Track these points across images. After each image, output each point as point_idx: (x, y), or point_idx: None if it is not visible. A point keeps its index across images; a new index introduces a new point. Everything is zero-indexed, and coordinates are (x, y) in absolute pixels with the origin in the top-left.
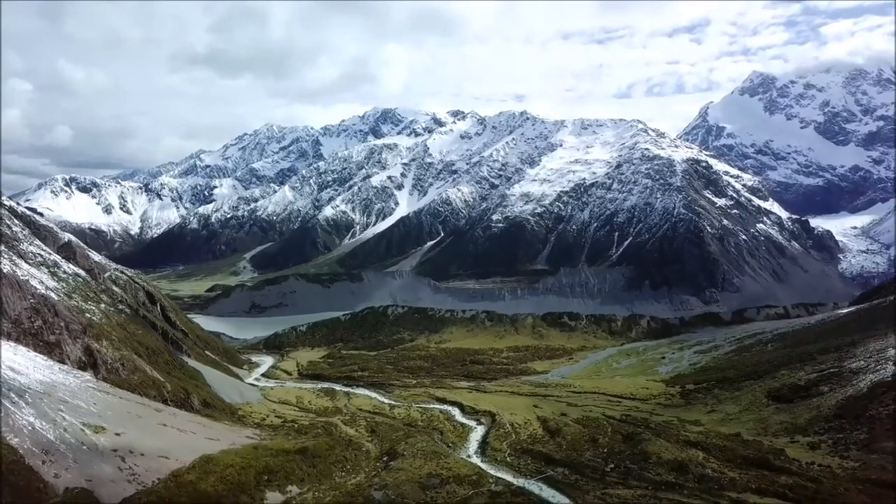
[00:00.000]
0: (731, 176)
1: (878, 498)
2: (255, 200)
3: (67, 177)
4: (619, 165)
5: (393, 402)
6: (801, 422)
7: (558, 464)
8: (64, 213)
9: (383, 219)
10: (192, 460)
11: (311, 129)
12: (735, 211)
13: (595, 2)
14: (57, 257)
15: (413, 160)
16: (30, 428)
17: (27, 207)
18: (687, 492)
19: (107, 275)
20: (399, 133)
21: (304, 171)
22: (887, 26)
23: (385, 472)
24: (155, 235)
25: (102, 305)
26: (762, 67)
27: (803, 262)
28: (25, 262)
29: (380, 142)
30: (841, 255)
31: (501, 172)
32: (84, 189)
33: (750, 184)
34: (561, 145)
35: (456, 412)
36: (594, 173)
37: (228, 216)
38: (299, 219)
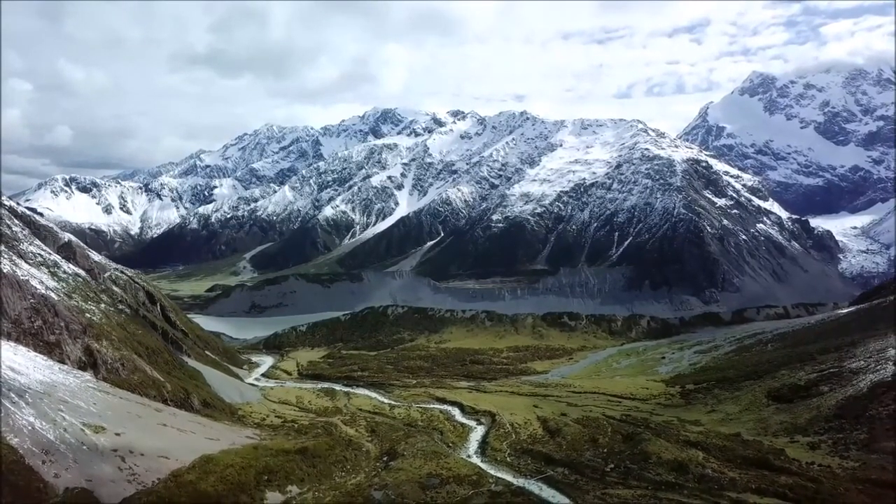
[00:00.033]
0: (731, 176)
1: (878, 498)
2: (255, 200)
3: (67, 177)
4: (619, 165)
5: (393, 402)
6: (801, 422)
7: (558, 464)
8: (64, 213)
9: (383, 219)
10: (192, 460)
11: (311, 129)
12: (735, 211)
13: (595, 2)
14: (57, 257)
15: (413, 160)
16: (30, 428)
17: (27, 207)
18: (687, 492)
19: (107, 275)
20: (399, 133)
21: (304, 171)
22: (887, 26)
23: (385, 472)
24: (155, 235)
25: (102, 305)
26: (762, 67)
27: (803, 262)
28: (25, 262)
29: (380, 142)
30: (841, 255)
31: (501, 172)
32: (84, 189)
33: (750, 184)
34: (561, 145)
35: (456, 412)
36: (594, 173)
37: (228, 216)
38: (299, 219)
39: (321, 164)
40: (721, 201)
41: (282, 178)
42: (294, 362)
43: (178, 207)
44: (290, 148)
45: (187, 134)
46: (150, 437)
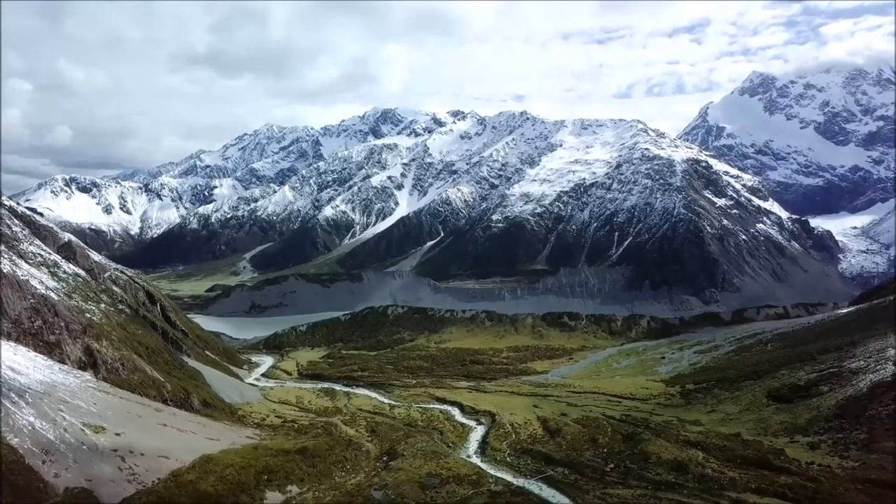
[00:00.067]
0: (731, 176)
1: (878, 498)
2: (255, 200)
3: (67, 177)
4: (618, 165)
5: (393, 402)
6: (800, 422)
7: (558, 464)
8: (64, 213)
9: (383, 219)
10: (192, 460)
11: (311, 129)
12: (735, 211)
13: (595, 2)
14: (57, 257)
15: (413, 160)
16: (30, 428)
17: (27, 207)
18: (687, 492)
19: (107, 275)
20: (399, 133)
21: (304, 171)
22: (887, 26)
23: (385, 472)
24: (155, 235)
25: (102, 305)
26: (762, 67)
27: (803, 262)
28: (25, 262)
29: (380, 142)
30: (841, 255)
31: (501, 172)
32: (84, 189)
33: (750, 184)
34: (561, 145)
35: (456, 412)
36: (594, 173)
37: (228, 216)
38: (299, 219)
39: (321, 164)
40: (721, 201)
41: (282, 178)
42: (294, 362)
43: (178, 207)
44: (290, 148)
45: (187, 134)
46: (150, 437)
